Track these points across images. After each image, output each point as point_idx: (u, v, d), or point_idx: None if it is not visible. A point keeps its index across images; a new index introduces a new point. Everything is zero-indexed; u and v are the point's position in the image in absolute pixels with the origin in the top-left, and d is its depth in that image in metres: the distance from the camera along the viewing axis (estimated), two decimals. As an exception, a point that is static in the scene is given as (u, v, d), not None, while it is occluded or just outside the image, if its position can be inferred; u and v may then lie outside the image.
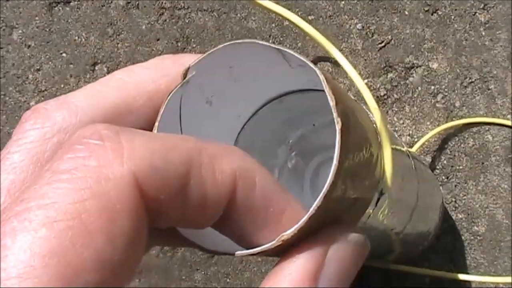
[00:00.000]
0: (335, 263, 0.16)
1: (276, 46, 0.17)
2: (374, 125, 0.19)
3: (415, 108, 0.43)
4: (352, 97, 0.19)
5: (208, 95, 0.20)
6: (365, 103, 0.20)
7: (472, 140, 0.42)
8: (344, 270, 0.16)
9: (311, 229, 0.16)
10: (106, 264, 0.11)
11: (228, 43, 0.18)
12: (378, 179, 0.19)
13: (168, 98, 0.18)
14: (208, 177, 0.14)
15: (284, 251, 0.16)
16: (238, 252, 0.16)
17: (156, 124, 0.17)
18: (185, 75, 0.18)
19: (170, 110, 0.18)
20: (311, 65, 0.17)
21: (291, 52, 0.17)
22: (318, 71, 0.16)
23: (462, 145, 0.43)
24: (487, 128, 0.42)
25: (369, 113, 0.20)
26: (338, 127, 0.15)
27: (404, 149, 0.28)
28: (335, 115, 0.15)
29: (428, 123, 0.43)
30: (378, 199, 0.19)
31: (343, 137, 0.15)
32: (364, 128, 0.18)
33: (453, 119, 0.43)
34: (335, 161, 0.15)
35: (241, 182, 0.15)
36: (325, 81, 0.16)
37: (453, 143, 0.43)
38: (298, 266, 0.15)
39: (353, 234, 0.17)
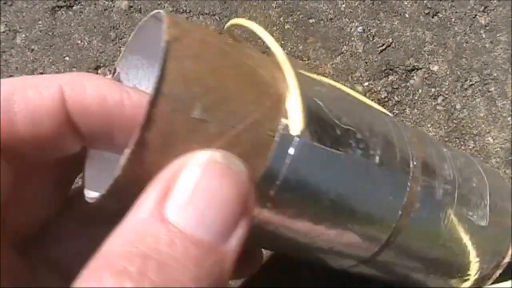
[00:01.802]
0: (186, 191, 0.14)
1: (152, 13, 0.19)
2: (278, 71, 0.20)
3: (416, 110, 0.43)
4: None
5: (135, 83, 0.22)
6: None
7: (472, 142, 0.43)
8: (203, 197, 0.14)
9: (151, 151, 0.14)
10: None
11: (132, 35, 0.20)
12: (272, 114, 0.18)
13: None
14: (34, 94, 0.17)
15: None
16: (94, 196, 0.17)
17: None
18: (114, 73, 0.21)
19: None
20: (161, 14, 0.18)
21: (153, 13, 0.19)
22: (162, 12, 0.17)
23: (462, 147, 0.43)
24: (487, 130, 0.43)
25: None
26: (163, 43, 0.15)
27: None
28: (164, 33, 0.16)
29: (429, 125, 0.43)
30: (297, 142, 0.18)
31: (170, 54, 0.15)
32: (236, 58, 0.18)
33: (454, 121, 0.43)
34: (158, 72, 0.15)
35: (68, 88, 0.17)
36: (165, 17, 0.17)
37: (454, 145, 0.43)
38: (143, 199, 0.14)
39: (206, 153, 0.15)
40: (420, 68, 0.44)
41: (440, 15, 0.44)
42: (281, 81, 0.19)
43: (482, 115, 0.43)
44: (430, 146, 0.27)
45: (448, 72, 0.43)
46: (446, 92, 0.43)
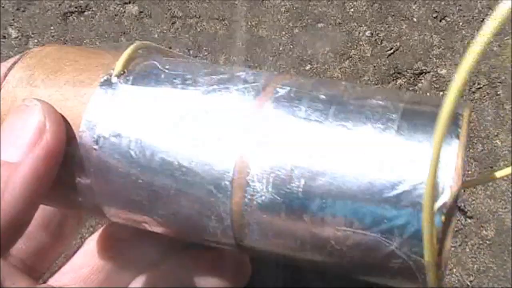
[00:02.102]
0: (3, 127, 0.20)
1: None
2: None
3: (424, 113, 0.44)
4: None
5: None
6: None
7: (481, 145, 0.43)
8: (6, 128, 0.20)
9: None
10: None
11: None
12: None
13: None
14: None
15: None
16: None
17: None
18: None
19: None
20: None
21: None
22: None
23: (471, 150, 0.43)
24: (495, 133, 0.43)
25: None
26: None
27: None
28: None
29: (437, 128, 0.43)
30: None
31: None
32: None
33: (462, 124, 0.43)
34: None
35: None
36: None
37: (462, 148, 0.43)
38: None
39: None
40: (428, 72, 0.44)
41: (448, 19, 0.45)
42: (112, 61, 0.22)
43: (490, 118, 0.43)
44: None
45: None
46: (454, 95, 0.43)
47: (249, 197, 0.18)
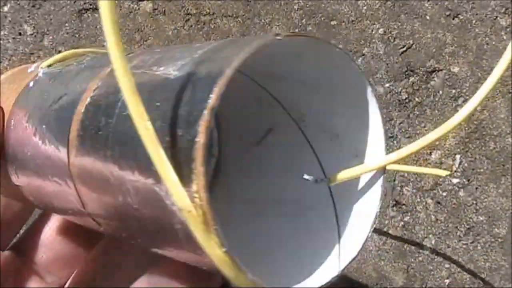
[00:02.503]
0: None
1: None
2: None
3: (436, 111, 0.44)
4: None
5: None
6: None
7: (493, 143, 0.43)
8: None
9: None
10: None
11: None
12: None
13: None
14: None
15: None
16: None
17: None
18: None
19: None
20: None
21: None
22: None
23: (483, 148, 0.43)
24: (508, 131, 0.43)
25: None
26: None
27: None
28: None
29: (449, 126, 0.43)
30: None
31: None
32: None
33: (474, 122, 0.43)
34: None
35: None
36: None
37: (474, 146, 0.43)
38: None
39: None
40: (441, 70, 0.44)
41: (461, 17, 0.45)
42: None
43: (502, 116, 0.43)
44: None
45: (468, 74, 0.44)
46: (467, 93, 0.44)
47: None
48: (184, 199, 0.12)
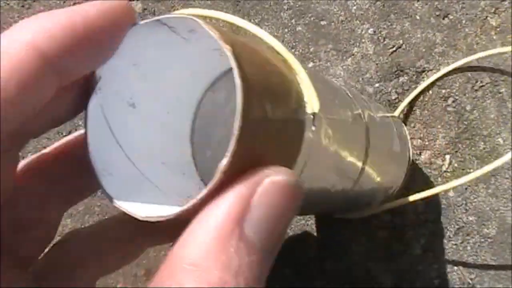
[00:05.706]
0: (261, 209, 0.15)
1: (155, 18, 0.17)
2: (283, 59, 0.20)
3: (426, 111, 0.44)
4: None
5: (127, 99, 0.20)
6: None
7: (483, 143, 0.43)
8: (274, 216, 0.16)
9: (240, 163, 0.15)
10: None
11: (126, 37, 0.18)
12: (299, 99, 0.19)
13: (88, 109, 0.18)
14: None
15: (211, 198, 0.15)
16: (170, 213, 0.16)
17: (87, 138, 0.18)
18: (94, 81, 0.18)
19: (96, 120, 0.18)
20: (188, 16, 0.16)
21: (169, 16, 0.17)
22: (195, 19, 0.16)
23: (473, 148, 0.43)
24: (498, 132, 0.43)
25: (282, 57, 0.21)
26: (228, 53, 0.15)
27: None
28: (220, 43, 0.15)
29: (439, 126, 0.43)
30: (313, 119, 0.19)
31: (238, 60, 0.15)
32: (262, 54, 0.18)
33: (464, 122, 0.43)
34: (237, 81, 0.15)
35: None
36: (203, 23, 0.16)
37: (464, 146, 0.43)
38: (219, 213, 0.15)
39: (281, 176, 0.16)
40: (431, 70, 0.44)
41: (451, 17, 0.45)
42: (289, 68, 0.20)
43: (492, 116, 0.43)
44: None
45: (458, 74, 0.44)
46: (457, 93, 0.44)
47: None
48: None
